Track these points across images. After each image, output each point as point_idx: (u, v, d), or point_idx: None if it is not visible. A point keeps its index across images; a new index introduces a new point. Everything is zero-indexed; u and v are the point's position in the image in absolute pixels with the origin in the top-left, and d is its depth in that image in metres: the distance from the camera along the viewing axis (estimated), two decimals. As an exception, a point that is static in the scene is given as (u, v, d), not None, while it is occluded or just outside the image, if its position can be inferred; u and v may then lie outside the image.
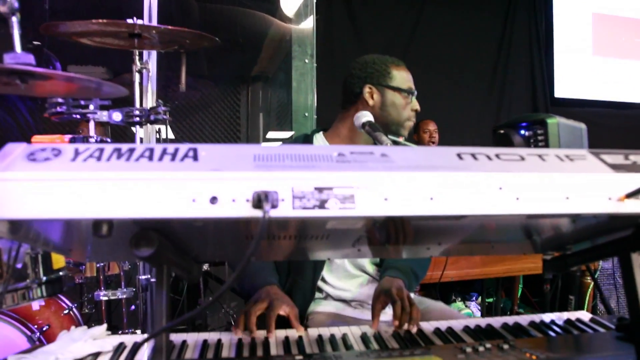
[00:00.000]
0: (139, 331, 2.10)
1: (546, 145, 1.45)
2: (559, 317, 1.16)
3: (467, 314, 2.83)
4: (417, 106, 1.59)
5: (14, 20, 1.04)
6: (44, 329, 1.93)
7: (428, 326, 1.11)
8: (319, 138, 1.60)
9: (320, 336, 1.04)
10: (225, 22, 2.92)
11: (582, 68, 5.24)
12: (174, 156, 0.63)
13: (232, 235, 0.74)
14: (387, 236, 0.78)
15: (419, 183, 0.61)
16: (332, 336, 1.04)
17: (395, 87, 1.55)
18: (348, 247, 0.85)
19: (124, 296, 2.05)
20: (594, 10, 5.27)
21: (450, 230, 0.77)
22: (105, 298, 2.04)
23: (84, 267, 2.31)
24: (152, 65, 1.82)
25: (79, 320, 2.25)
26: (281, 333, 1.06)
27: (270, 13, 2.85)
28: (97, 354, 0.97)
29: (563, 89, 5.19)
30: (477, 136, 4.62)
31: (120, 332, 2.18)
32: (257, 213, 0.57)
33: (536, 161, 0.69)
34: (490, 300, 3.06)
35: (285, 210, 0.58)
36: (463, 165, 0.66)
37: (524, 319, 1.14)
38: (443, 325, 1.10)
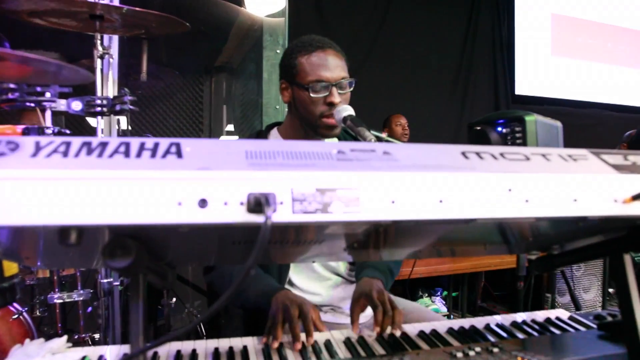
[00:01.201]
0: (97, 335, 1.98)
1: (524, 142, 1.44)
2: (538, 315, 1.16)
3: (434, 310, 2.85)
4: (332, 98, 1.31)
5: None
6: (-10, 336, 1.77)
7: (412, 329, 1.07)
8: (274, 133, 1.49)
9: (302, 343, 0.98)
10: (190, 10, 2.79)
11: (541, 67, 5.41)
12: (154, 152, 0.56)
13: (218, 241, 0.67)
14: (382, 240, 0.73)
15: (428, 184, 0.57)
16: (315, 342, 0.98)
17: (298, 83, 1.35)
18: (339, 251, 0.80)
19: (81, 298, 1.91)
20: (554, 11, 5.44)
21: (450, 232, 0.73)
22: (60, 301, 1.90)
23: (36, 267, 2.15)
24: (114, 51, 1.69)
25: (30, 326, 2.09)
26: (259, 340, 1.00)
27: (237, 2, 2.74)
28: (57, 370, 0.88)
29: (523, 86, 5.35)
30: (442, 132, 4.69)
31: (76, 336, 2.05)
32: (254, 218, 0.50)
33: (541, 161, 0.66)
34: (455, 294, 3.10)
35: (284, 214, 0.52)
36: (470, 165, 0.61)
37: (505, 319, 1.13)
38: (427, 327, 1.07)
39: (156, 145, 0.57)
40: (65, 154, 0.55)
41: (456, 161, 0.62)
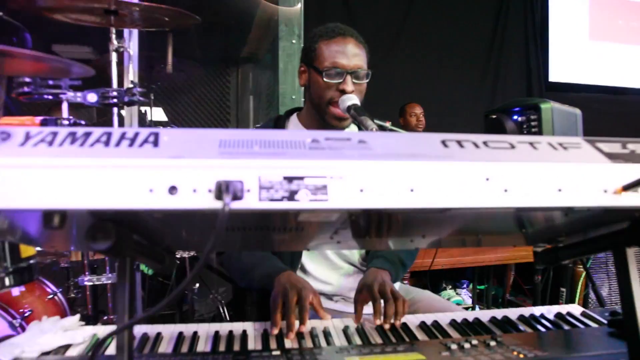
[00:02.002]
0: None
1: (540, 131, 1.40)
2: (550, 310, 1.13)
3: (457, 302, 2.82)
4: (345, 85, 1.32)
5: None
6: (26, 314, 1.89)
7: (414, 319, 1.07)
8: (293, 120, 1.51)
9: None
10: (212, 2, 2.82)
11: (578, 52, 5.16)
12: (132, 141, 0.58)
13: (198, 227, 0.69)
14: (366, 228, 0.73)
15: (398, 173, 0.56)
16: (313, 329, 1.00)
17: (314, 67, 1.37)
18: (326, 239, 0.80)
19: (109, 281, 2.01)
20: (592, -7, 5.18)
21: (433, 222, 0.72)
22: (90, 283, 2.00)
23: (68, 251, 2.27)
24: (133, 44, 1.74)
25: (64, 305, 2.21)
26: (260, 326, 1.02)
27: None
28: (67, 347, 0.93)
29: (558, 73, 5.12)
30: (471, 121, 4.56)
31: (105, 317, 2.15)
32: (219, 205, 0.52)
33: (527, 150, 0.64)
34: (482, 287, 3.04)
35: (250, 202, 0.53)
36: (447, 154, 0.61)
37: (514, 313, 1.11)
38: (429, 318, 1.06)
39: (136, 134, 0.59)
40: (51, 143, 0.58)
41: (433, 150, 0.61)
